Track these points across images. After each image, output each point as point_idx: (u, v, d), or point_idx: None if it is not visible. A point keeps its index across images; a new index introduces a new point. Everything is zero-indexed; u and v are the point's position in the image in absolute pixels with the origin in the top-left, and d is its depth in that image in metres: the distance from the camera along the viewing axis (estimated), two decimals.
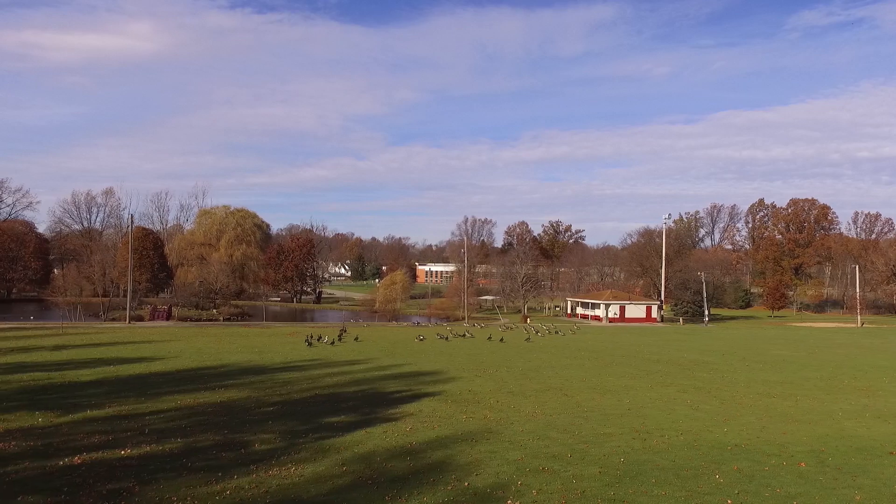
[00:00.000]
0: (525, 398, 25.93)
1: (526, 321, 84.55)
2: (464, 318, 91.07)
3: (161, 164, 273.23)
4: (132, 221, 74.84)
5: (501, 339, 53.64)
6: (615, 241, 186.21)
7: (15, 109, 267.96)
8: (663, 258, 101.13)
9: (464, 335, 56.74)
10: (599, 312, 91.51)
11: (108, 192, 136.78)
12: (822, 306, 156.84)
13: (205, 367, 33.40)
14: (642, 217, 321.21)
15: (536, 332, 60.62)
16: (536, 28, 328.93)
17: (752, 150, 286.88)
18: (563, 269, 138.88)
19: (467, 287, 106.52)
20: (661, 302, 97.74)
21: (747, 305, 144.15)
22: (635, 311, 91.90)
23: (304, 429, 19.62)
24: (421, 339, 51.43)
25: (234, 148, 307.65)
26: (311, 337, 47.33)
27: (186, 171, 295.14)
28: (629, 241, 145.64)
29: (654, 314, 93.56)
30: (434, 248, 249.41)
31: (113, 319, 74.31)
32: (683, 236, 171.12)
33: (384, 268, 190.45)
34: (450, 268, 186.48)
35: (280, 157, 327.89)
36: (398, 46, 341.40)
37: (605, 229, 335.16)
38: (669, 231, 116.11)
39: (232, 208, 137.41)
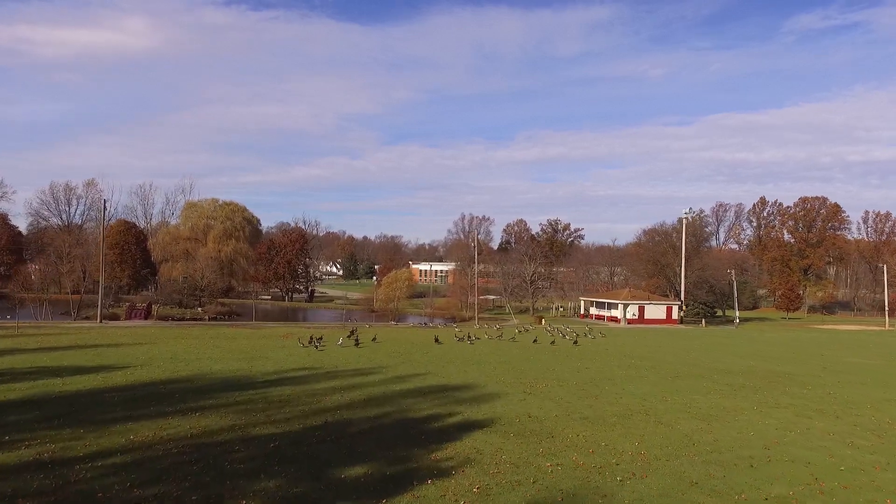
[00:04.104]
0: (610, 429, 19.06)
1: (541, 322, 77.74)
2: (469, 319, 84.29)
3: (153, 162, 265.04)
4: (105, 208, 67.40)
5: (552, 342, 48.09)
6: (609, 240, 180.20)
7: (4, 105, 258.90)
8: (683, 256, 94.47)
9: (513, 338, 50.95)
10: (617, 313, 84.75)
11: (90, 184, 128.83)
12: (830, 308, 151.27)
13: (177, 380, 26.29)
14: (636, 218, 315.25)
15: (564, 336, 53.83)
16: (534, 28, 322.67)
17: (745, 153, 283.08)
18: (563, 269, 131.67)
19: (471, 287, 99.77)
20: (682, 302, 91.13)
21: (754, 306, 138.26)
22: (655, 311, 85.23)
23: (313, 490, 12.71)
24: (438, 342, 44.49)
25: (228, 146, 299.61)
26: (313, 339, 40.31)
27: (179, 169, 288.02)
28: (634, 240, 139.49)
29: (675, 315, 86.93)
30: (427, 246, 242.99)
31: (86, 318, 66.98)
32: (689, 235, 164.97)
33: (377, 266, 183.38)
34: (444, 267, 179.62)
35: (274, 156, 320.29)
36: (396, 46, 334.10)
37: (598, 230, 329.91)
38: (675, 229, 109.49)
39: (220, 201, 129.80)
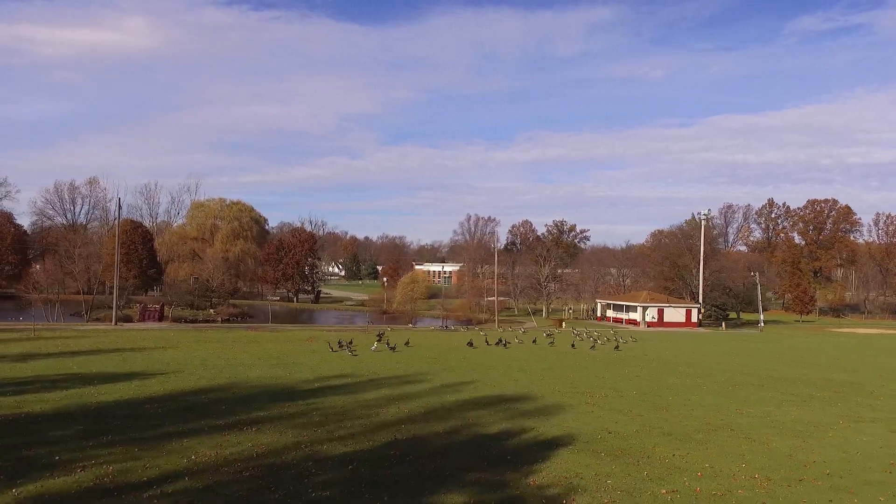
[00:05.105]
0: (702, 447, 17.63)
1: (561, 325, 76.32)
2: (485, 321, 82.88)
3: (153, 162, 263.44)
4: (119, 207, 65.84)
5: (592, 347, 47.12)
6: (612, 241, 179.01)
7: (4, 105, 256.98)
8: (701, 258, 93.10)
9: (551, 343, 49.81)
10: (636, 315, 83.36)
11: (93, 182, 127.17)
12: (840, 310, 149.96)
13: (218, 388, 24.86)
14: (636, 219, 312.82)
15: (597, 340, 52.49)
16: (535, 29, 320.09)
17: (745, 154, 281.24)
18: (569, 270, 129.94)
19: (483, 288, 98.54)
20: (701, 305, 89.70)
21: (764, 309, 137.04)
22: (674, 314, 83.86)
23: None
24: (472, 346, 43.08)
25: (228, 146, 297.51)
26: (343, 343, 38.88)
27: (179, 168, 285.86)
28: (640, 242, 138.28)
29: (694, 318, 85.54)
30: (428, 247, 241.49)
31: (97, 320, 65.47)
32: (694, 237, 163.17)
33: (380, 268, 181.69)
34: (449, 267, 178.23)
35: (274, 156, 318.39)
36: (396, 46, 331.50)
37: (598, 231, 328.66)
38: (692, 230, 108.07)
39: (227, 201, 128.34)
